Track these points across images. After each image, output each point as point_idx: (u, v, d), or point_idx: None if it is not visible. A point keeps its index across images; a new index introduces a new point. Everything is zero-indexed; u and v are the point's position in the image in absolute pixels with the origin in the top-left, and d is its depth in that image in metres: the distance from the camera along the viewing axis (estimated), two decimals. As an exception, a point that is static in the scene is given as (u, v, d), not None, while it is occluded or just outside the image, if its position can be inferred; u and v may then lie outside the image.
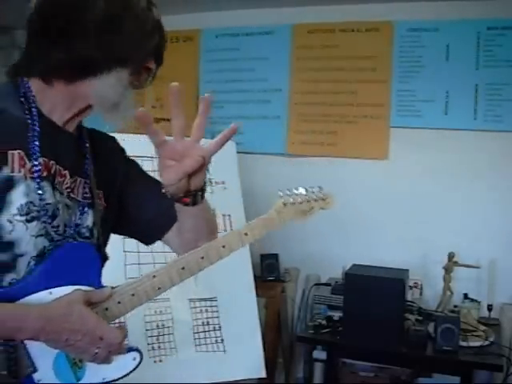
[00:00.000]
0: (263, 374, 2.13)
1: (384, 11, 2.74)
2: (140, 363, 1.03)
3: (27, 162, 0.93)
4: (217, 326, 2.10)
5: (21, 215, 0.91)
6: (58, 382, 0.94)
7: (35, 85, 0.97)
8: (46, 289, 0.92)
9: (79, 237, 1.01)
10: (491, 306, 2.49)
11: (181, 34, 3.16)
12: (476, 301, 2.48)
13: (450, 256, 2.46)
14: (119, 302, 1.02)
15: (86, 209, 1.03)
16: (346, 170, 2.86)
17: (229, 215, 2.30)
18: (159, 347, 1.99)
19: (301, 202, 1.28)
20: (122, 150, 1.25)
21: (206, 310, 2.11)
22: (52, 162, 0.97)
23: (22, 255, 0.92)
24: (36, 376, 0.91)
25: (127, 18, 0.98)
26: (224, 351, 2.08)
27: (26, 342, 0.89)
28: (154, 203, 1.17)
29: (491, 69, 2.59)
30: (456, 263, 2.46)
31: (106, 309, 1.00)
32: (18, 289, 0.91)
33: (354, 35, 2.82)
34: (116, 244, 2.04)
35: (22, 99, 0.96)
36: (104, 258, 1.09)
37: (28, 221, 0.92)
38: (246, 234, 1.18)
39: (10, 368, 0.88)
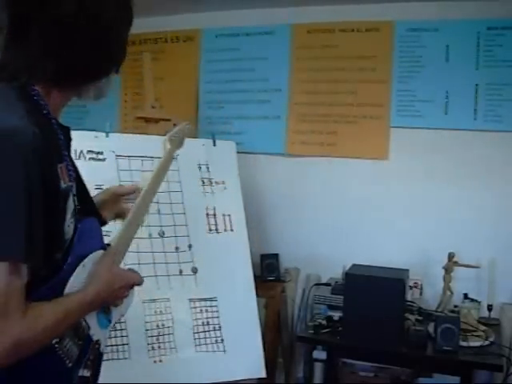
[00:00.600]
0: (263, 374, 2.12)
1: (384, 11, 2.74)
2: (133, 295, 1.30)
3: (67, 170, 1.02)
4: (217, 326, 2.10)
5: (72, 217, 1.04)
6: (101, 331, 1.17)
7: (42, 89, 0.99)
8: (80, 262, 1.08)
9: (85, 214, 1.14)
10: (491, 306, 2.49)
11: (181, 34, 3.17)
12: (476, 301, 2.48)
13: (450, 256, 2.46)
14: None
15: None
16: (346, 169, 2.86)
17: (229, 215, 2.30)
18: (159, 347, 1.99)
19: (177, 134, 1.67)
20: None
21: (206, 310, 2.11)
22: (71, 162, 1.09)
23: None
24: (91, 332, 1.13)
25: (120, 27, 1.09)
26: (224, 351, 2.07)
27: None
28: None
29: (491, 69, 2.58)
30: (456, 263, 2.46)
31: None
32: (66, 272, 1.04)
33: (354, 35, 2.82)
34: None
35: (45, 111, 0.99)
36: (103, 222, 1.30)
37: (74, 221, 1.05)
38: (159, 176, 1.50)
39: (78, 335, 1.08)
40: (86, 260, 1.09)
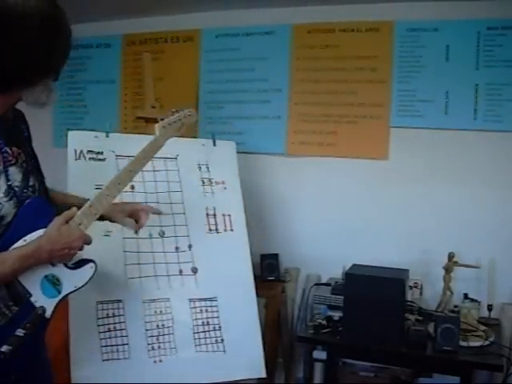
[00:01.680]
0: (263, 374, 2.12)
1: (384, 11, 2.74)
2: (96, 270, 1.44)
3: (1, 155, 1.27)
4: (217, 326, 2.10)
5: (6, 196, 1.27)
6: (48, 300, 1.35)
7: None
8: (21, 238, 1.29)
9: (33, 194, 1.37)
10: (491, 306, 2.50)
11: (181, 34, 3.17)
12: (476, 301, 2.48)
13: (450, 256, 2.46)
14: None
15: (30, 173, 1.38)
16: (346, 169, 2.86)
17: (229, 215, 2.30)
18: (159, 347, 1.98)
19: (174, 121, 1.81)
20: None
21: (206, 310, 2.11)
22: (14, 147, 1.33)
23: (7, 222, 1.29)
24: (32, 299, 1.32)
25: (55, 41, 1.25)
26: (224, 351, 2.07)
27: (19, 277, 1.29)
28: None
29: (491, 69, 2.58)
30: (456, 263, 2.46)
31: (80, 224, 1.40)
32: (4, 241, 1.27)
33: (353, 35, 2.82)
34: (116, 244, 2.06)
35: None
36: (100, 217, 1.50)
37: (10, 199, 1.28)
38: (144, 158, 1.66)
39: (13, 299, 1.28)
40: (28, 236, 1.29)
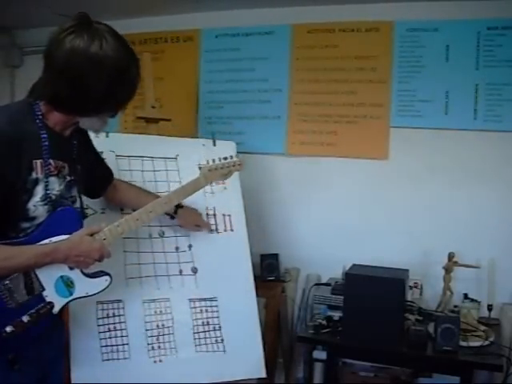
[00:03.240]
0: (263, 374, 2.12)
1: (384, 11, 2.74)
2: (110, 284, 1.57)
3: (44, 166, 1.43)
4: (217, 326, 2.10)
5: (42, 201, 1.43)
6: (58, 298, 1.50)
7: (44, 106, 1.43)
8: (47, 238, 1.45)
9: (72, 204, 1.55)
10: (491, 306, 2.50)
11: (181, 34, 3.17)
12: (476, 301, 2.48)
13: (450, 256, 2.46)
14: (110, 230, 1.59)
15: (73, 186, 1.55)
16: (346, 169, 2.86)
17: (229, 215, 2.30)
18: (159, 347, 1.98)
19: (222, 167, 1.93)
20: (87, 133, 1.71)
21: (206, 310, 2.11)
22: (59, 161, 1.48)
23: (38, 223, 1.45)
24: (44, 293, 1.48)
25: (120, 88, 1.42)
26: (224, 351, 2.07)
27: (36, 270, 1.45)
28: (101, 167, 1.86)
29: (491, 69, 2.58)
30: (456, 263, 2.46)
31: (104, 239, 1.56)
32: (32, 237, 1.43)
33: (353, 35, 2.82)
34: (116, 244, 2.05)
35: (38, 121, 1.43)
36: (84, 215, 1.64)
37: (45, 204, 1.44)
38: (182, 195, 1.88)
39: (27, 288, 1.44)
40: (53, 238, 1.45)
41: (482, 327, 2.29)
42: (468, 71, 2.62)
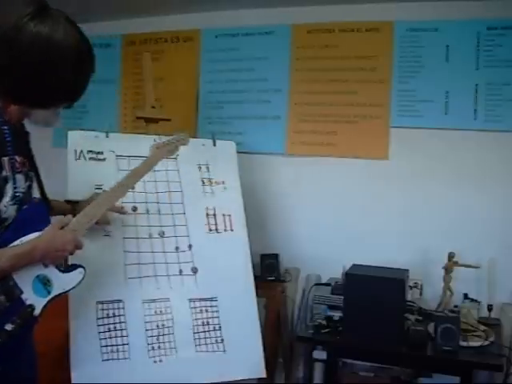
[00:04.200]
0: (263, 374, 2.12)
1: (384, 11, 2.74)
2: (84, 276, 1.55)
3: (10, 163, 1.37)
4: (217, 326, 2.10)
5: (11, 200, 1.38)
6: (38, 299, 1.43)
7: (1, 98, 1.37)
8: (19, 238, 1.39)
9: (34, 200, 1.49)
10: (491, 306, 2.49)
11: (181, 34, 3.17)
12: (476, 301, 2.48)
13: (450, 256, 2.46)
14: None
15: (32, 181, 1.49)
16: (346, 169, 2.86)
17: (229, 215, 2.30)
18: (159, 347, 1.98)
19: (168, 143, 1.97)
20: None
21: (206, 310, 2.11)
22: (21, 157, 1.42)
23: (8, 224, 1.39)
24: (23, 296, 1.41)
25: (81, 77, 1.41)
26: (224, 351, 2.07)
27: (12, 274, 1.38)
28: None
29: (491, 69, 2.58)
30: (456, 263, 2.46)
31: (75, 230, 1.53)
32: (4, 240, 1.36)
33: (353, 35, 2.82)
34: (116, 244, 2.05)
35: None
36: (49, 207, 1.59)
37: (14, 204, 1.39)
38: (135, 176, 1.84)
39: (6, 294, 1.36)
40: (24, 238, 1.39)
41: (482, 327, 2.29)
42: (468, 71, 2.62)
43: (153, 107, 2.60)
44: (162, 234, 2.14)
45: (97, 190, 1.98)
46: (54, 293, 1.48)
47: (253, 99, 3.02)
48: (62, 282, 1.50)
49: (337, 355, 2.44)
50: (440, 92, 2.67)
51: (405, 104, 2.74)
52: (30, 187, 1.49)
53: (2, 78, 1.32)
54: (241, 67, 3.04)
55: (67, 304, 1.85)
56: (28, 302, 1.42)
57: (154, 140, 1.99)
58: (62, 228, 1.49)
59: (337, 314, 2.35)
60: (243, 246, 2.28)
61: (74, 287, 1.54)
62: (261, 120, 3.01)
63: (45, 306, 1.46)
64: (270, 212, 2.99)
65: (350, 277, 2.27)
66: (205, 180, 2.33)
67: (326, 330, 2.30)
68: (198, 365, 2.01)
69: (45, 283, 1.46)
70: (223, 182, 2.35)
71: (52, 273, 1.48)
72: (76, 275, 1.53)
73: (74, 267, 1.55)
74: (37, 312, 1.44)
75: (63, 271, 1.51)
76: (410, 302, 2.43)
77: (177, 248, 2.15)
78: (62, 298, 1.77)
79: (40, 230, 1.43)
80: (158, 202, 2.17)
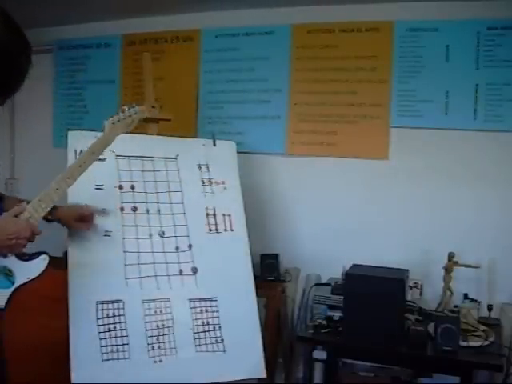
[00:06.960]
0: (263, 374, 2.12)
1: (384, 11, 2.74)
2: (49, 262, 1.54)
3: None
4: (217, 326, 2.10)
5: None
6: (1, 291, 1.42)
7: None
8: None
9: None
10: (491, 306, 2.49)
11: (181, 34, 3.17)
12: (476, 301, 2.48)
13: (450, 256, 2.46)
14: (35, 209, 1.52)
15: None
16: (346, 169, 2.86)
17: (229, 215, 2.30)
18: (159, 347, 1.99)
19: (124, 118, 1.89)
20: None
21: (206, 310, 2.11)
22: None
23: None
24: None
25: (16, 73, 1.34)
26: (224, 351, 2.07)
27: None
28: None
29: (491, 69, 2.58)
30: (456, 263, 2.46)
31: (30, 217, 1.49)
32: None
33: (353, 35, 2.82)
34: (116, 244, 2.06)
35: None
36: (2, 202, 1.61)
37: None
38: (93, 153, 1.77)
39: None
40: None
41: (482, 327, 2.29)
42: (468, 71, 2.62)
43: (153, 107, 2.59)
44: (162, 234, 2.14)
45: (96, 190, 1.99)
46: (18, 283, 1.47)
47: (253, 99, 3.02)
48: (25, 270, 1.49)
49: (337, 355, 2.44)
50: (440, 92, 2.67)
51: (405, 104, 2.74)
52: None
53: None
54: (241, 67, 3.04)
55: (67, 304, 1.85)
56: None
57: (111, 116, 1.90)
58: (16, 216, 1.46)
59: (337, 314, 2.35)
60: (243, 246, 2.28)
61: (40, 275, 1.52)
62: (261, 120, 3.01)
63: (10, 298, 1.46)
64: (269, 212, 2.99)
65: (350, 277, 2.27)
66: (205, 180, 2.33)
67: (326, 330, 2.30)
68: (197, 365, 2.01)
69: (6, 274, 1.46)
70: (223, 182, 2.35)
71: (13, 263, 1.47)
72: (40, 262, 1.52)
73: (37, 254, 1.54)
74: (1, 304, 1.44)
75: (25, 260, 1.50)
76: (409, 301, 2.43)
77: (177, 248, 2.15)
78: (62, 298, 1.78)
79: None
80: (157, 202, 2.17)
